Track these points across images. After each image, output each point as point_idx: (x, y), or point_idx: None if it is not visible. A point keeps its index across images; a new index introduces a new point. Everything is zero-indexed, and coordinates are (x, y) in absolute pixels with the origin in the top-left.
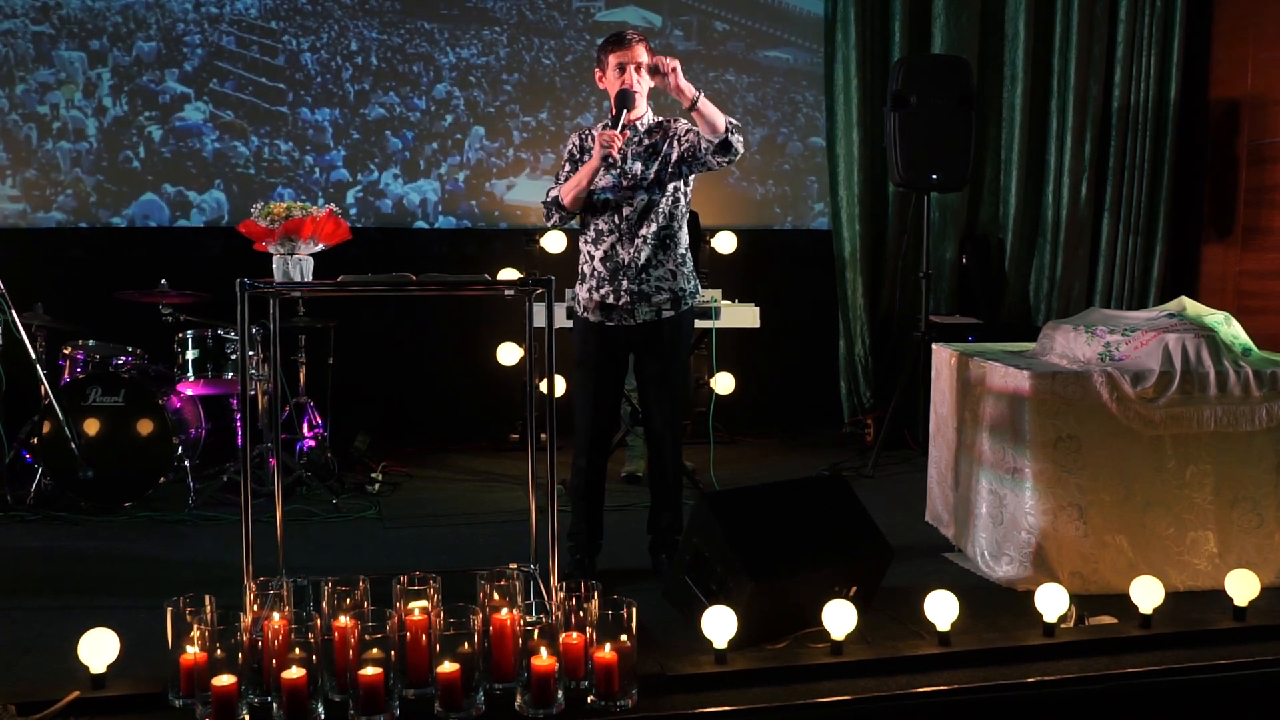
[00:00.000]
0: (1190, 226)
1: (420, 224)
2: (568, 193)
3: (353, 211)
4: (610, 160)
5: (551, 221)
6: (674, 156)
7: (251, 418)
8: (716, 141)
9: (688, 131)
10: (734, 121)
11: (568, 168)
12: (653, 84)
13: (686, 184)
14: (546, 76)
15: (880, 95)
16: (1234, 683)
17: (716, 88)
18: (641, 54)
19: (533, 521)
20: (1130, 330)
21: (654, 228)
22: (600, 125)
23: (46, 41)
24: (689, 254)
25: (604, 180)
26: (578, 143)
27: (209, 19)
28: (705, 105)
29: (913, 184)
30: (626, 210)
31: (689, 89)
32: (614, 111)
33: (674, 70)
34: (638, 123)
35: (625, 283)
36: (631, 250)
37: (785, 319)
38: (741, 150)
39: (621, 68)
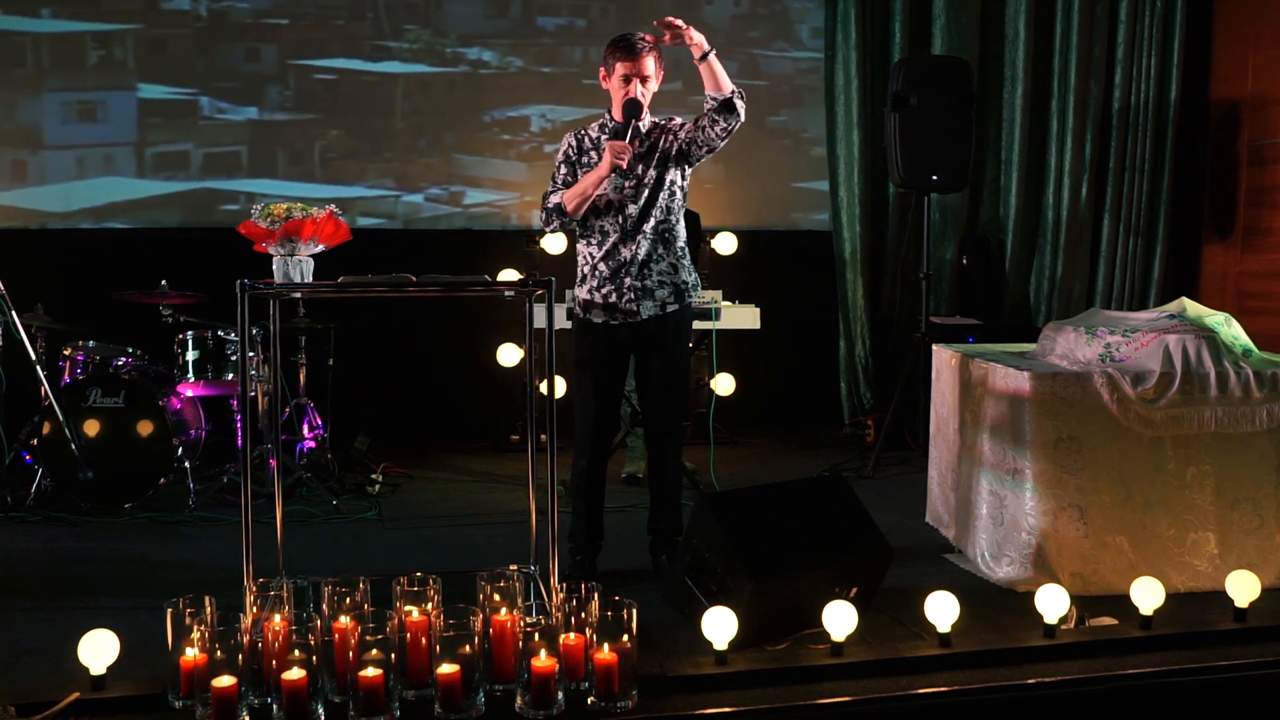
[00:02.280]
0: (1191, 227)
1: (420, 225)
2: (572, 200)
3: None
4: (619, 171)
5: (551, 227)
6: (673, 151)
7: (251, 419)
8: (719, 100)
9: (684, 125)
10: (739, 89)
11: (563, 170)
12: (656, 89)
13: (684, 177)
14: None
15: (880, 96)
16: (1235, 684)
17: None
18: (649, 65)
19: (533, 522)
20: (1131, 331)
21: (653, 223)
22: (597, 127)
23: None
24: (687, 248)
25: (605, 183)
26: (574, 144)
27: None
28: (715, 60)
29: (913, 184)
30: (630, 209)
31: (702, 40)
32: (622, 121)
33: (686, 27)
34: (639, 125)
35: (628, 280)
36: (632, 247)
37: (785, 320)
38: (743, 116)
39: (627, 79)
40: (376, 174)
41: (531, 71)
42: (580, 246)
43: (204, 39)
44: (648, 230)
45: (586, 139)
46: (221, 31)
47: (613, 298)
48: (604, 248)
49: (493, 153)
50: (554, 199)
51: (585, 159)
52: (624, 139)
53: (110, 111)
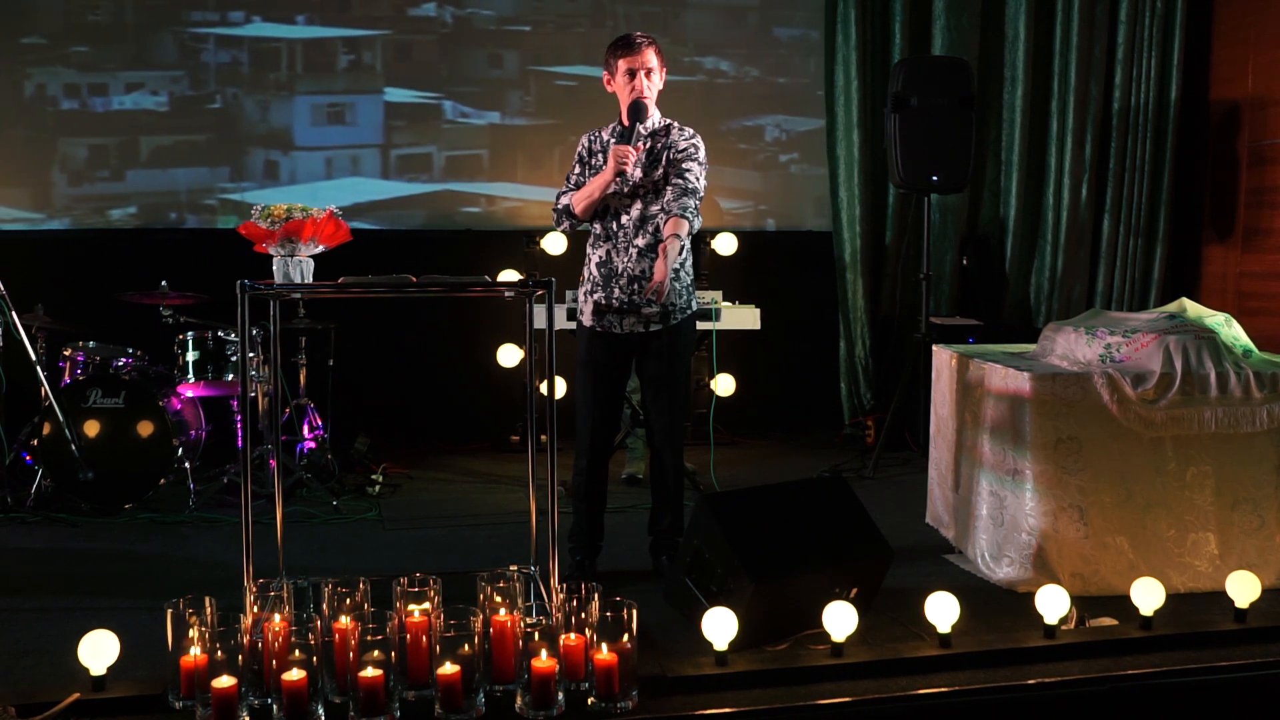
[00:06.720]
0: (1191, 228)
1: (420, 225)
2: (579, 203)
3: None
4: (623, 175)
5: (562, 227)
6: (671, 157)
7: (252, 419)
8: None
9: (681, 152)
10: (692, 208)
11: (577, 169)
12: (661, 87)
13: None
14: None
15: (881, 96)
16: (1235, 684)
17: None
18: (651, 58)
19: (533, 523)
20: (1131, 332)
21: (649, 239)
22: (610, 129)
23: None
24: (687, 267)
25: (611, 187)
26: (587, 145)
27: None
28: (680, 247)
29: (913, 185)
30: (624, 218)
31: (673, 261)
32: (626, 123)
33: (661, 288)
34: (642, 129)
35: (616, 291)
36: (625, 260)
37: (786, 320)
38: (697, 223)
39: (631, 73)
40: None
41: (767, 82)
42: (587, 246)
43: (448, 45)
44: (644, 246)
45: (597, 140)
46: (465, 37)
47: (603, 303)
48: (599, 253)
49: (728, 162)
50: (564, 200)
51: (594, 160)
52: (629, 142)
53: (358, 114)
